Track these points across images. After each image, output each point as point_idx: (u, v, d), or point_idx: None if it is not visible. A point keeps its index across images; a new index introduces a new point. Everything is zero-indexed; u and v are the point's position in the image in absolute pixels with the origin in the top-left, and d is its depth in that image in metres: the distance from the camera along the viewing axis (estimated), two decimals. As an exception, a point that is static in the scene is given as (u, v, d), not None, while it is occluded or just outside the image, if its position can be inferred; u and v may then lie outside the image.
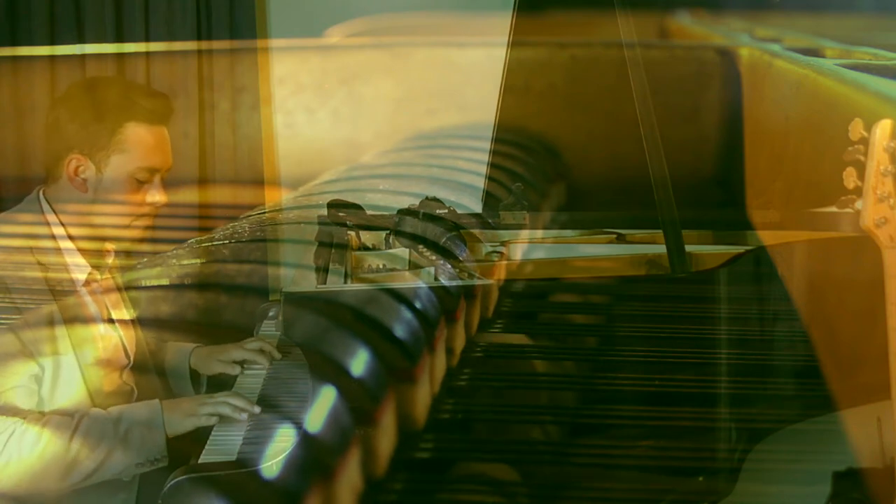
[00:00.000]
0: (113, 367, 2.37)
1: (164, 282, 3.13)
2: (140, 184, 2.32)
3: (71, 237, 2.32)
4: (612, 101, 3.85)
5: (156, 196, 2.33)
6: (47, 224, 2.32)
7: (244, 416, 2.22)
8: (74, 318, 2.29)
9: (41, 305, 2.26)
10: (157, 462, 2.22)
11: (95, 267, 2.36)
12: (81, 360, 2.29)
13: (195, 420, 2.22)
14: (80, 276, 2.33)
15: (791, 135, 3.17)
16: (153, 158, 2.32)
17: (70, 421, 2.20)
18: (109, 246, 2.39)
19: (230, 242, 3.21)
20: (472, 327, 2.91)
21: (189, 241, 3.27)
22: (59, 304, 2.27)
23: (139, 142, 2.30)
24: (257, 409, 2.23)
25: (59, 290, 2.29)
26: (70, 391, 2.27)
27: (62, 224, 2.32)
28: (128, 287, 2.78)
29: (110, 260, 2.40)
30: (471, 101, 3.83)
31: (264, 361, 2.48)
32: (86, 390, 2.29)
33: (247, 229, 3.29)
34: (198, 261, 3.18)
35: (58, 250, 2.31)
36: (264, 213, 3.47)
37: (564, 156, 3.97)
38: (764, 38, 3.96)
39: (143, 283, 3.08)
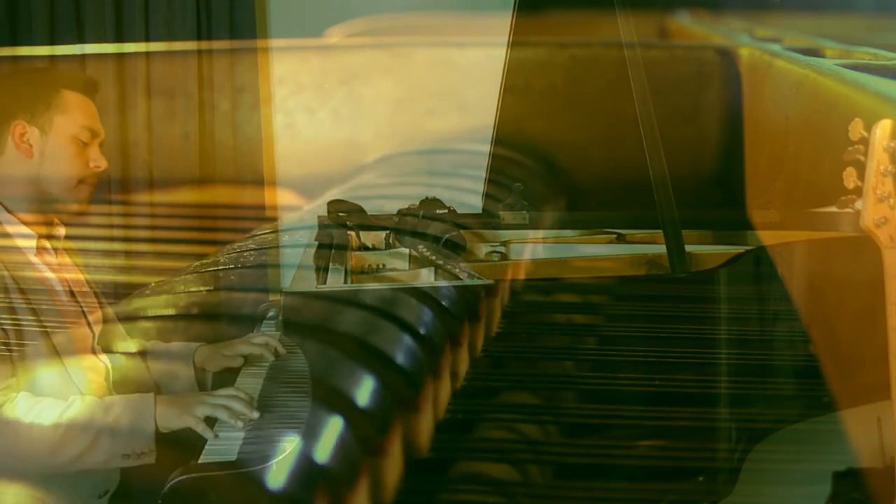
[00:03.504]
0: (79, 341, 2.39)
1: (171, 311, 3.13)
2: (83, 146, 2.40)
3: (25, 222, 2.37)
4: (612, 101, 3.85)
5: (98, 160, 2.42)
6: None
7: (240, 423, 2.22)
8: (31, 289, 2.32)
9: None
10: (143, 456, 2.23)
11: (46, 237, 2.40)
12: (46, 327, 2.31)
13: (189, 420, 2.22)
14: (30, 245, 2.37)
15: (791, 135, 3.17)
16: (92, 120, 2.43)
17: (60, 404, 2.23)
18: (59, 223, 2.44)
19: (235, 268, 3.21)
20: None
21: (194, 265, 3.28)
22: (13, 276, 2.30)
23: (78, 104, 2.42)
24: (256, 415, 2.23)
25: (15, 271, 2.31)
26: (39, 361, 2.29)
27: (6, 208, 2.37)
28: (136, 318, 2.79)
29: (62, 231, 2.44)
30: (471, 102, 3.83)
31: (269, 356, 2.49)
32: (58, 362, 2.31)
33: (252, 250, 3.28)
34: (203, 289, 3.18)
35: (6, 234, 2.35)
36: (268, 232, 3.46)
37: (564, 156, 3.97)
38: (764, 38, 3.95)
39: (149, 313, 3.08)
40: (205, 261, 3.31)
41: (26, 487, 2.25)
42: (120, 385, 2.45)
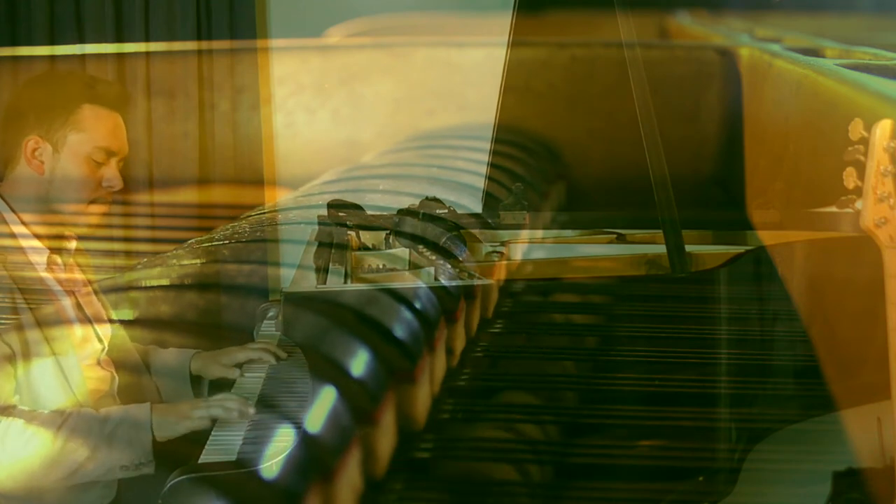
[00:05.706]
0: (87, 353, 2.38)
1: (165, 282, 3.13)
2: (97, 165, 2.34)
3: (36, 235, 2.34)
4: (612, 101, 3.85)
5: (112, 180, 2.36)
6: (5, 222, 2.34)
7: (235, 415, 2.20)
8: (41, 304, 2.30)
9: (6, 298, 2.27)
10: (142, 466, 2.20)
11: (56, 251, 2.37)
12: (53, 345, 2.29)
13: (188, 423, 2.20)
14: (41, 261, 2.34)
15: (791, 135, 3.17)
16: (110, 140, 2.35)
17: (58, 418, 2.20)
18: (71, 236, 2.40)
19: (230, 243, 3.21)
20: (471, 328, 2.91)
21: (189, 242, 3.27)
22: (24, 292, 2.28)
23: (96, 122, 2.34)
24: (252, 411, 2.22)
25: (25, 286, 2.29)
26: (45, 377, 2.27)
27: (21, 221, 2.33)
28: (128, 287, 2.77)
29: (73, 245, 2.41)
30: (471, 101, 3.83)
31: (269, 359, 2.47)
32: (62, 376, 2.29)
33: (247, 229, 3.29)
34: (198, 261, 3.18)
35: (20, 248, 2.32)
36: (264, 213, 3.47)
37: (564, 156, 3.98)
38: (764, 38, 3.96)
39: (144, 284, 3.08)
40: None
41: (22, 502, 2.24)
42: (125, 396, 2.44)
